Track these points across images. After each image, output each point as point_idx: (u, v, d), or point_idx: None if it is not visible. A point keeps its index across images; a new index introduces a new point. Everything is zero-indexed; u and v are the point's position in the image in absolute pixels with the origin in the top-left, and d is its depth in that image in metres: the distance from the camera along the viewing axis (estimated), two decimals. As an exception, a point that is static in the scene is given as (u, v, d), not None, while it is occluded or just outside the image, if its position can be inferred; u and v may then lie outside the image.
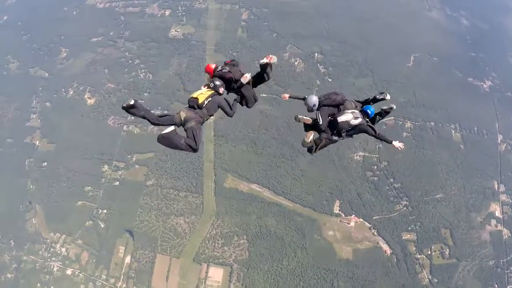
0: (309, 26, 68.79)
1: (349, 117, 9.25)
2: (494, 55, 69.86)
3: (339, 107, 9.80)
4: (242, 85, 9.70)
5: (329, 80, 62.27)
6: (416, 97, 62.15)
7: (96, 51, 69.17)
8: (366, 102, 10.31)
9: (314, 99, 9.45)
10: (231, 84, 9.68)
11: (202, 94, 8.97)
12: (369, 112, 9.65)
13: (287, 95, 10.45)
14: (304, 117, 9.81)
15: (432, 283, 48.52)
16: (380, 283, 48.17)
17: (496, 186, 55.19)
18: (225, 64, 9.98)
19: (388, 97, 9.96)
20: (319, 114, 9.56)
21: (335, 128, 9.40)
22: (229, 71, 9.60)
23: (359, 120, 9.28)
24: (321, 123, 9.52)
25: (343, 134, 9.55)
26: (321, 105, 9.66)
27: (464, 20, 73.83)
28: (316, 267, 49.16)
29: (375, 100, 10.15)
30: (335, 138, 9.60)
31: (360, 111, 9.68)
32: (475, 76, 66.26)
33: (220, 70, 9.66)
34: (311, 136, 9.67)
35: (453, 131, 59.44)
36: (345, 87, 60.36)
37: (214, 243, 51.21)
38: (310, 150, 9.85)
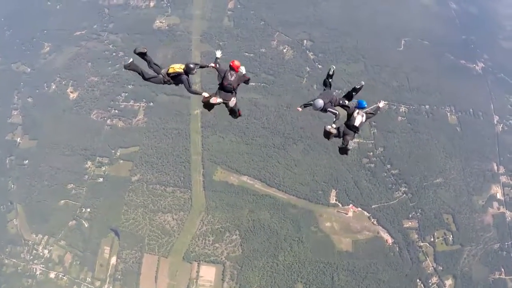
0: (297, 13, 66.99)
1: (360, 118, 11.05)
2: (485, 37, 68.94)
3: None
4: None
5: (319, 66, 60.31)
6: (409, 81, 60.71)
7: (79, 44, 67.28)
8: (349, 94, 11.86)
9: (320, 102, 10.81)
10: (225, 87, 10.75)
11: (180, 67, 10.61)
12: (364, 105, 11.28)
13: (299, 108, 11.88)
14: (332, 129, 11.17)
15: (437, 271, 46.86)
16: (382, 274, 46.37)
17: (495, 167, 53.92)
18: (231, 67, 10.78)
19: (363, 83, 12.08)
20: (333, 109, 11.08)
21: (356, 131, 11.18)
22: (233, 82, 10.70)
23: (365, 115, 11.23)
24: (337, 113, 11.07)
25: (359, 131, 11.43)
26: (326, 104, 11.03)
27: (453, 4, 72.87)
28: (315, 261, 47.28)
29: (355, 90, 11.72)
30: (356, 135, 11.75)
31: (356, 107, 11.30)
32: (467, 59, 65.28)
33: (231, 79, 10.64)
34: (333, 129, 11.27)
35: (448, 114, 58.14)
36: (337, 73, 56.06)
37: (204, 240, 49.02)
38: (345, 151, 11.68)
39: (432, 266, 47.08)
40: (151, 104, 58.31)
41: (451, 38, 67.77)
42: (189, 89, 10.61)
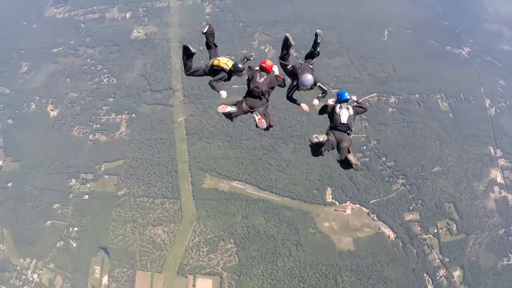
0: (275, 12, 66.32)
1: (346, 112, 8.75)
2: (468, 22, 68.75)
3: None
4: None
5: (302, 63, 58.77)
6: (396, 71, 59.75)
7: (57, 61, 66.39)
8: (311, 53, 9.84)
9: (309, 77, 8.94)
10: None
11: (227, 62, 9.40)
12: (346, 97, 9.07)
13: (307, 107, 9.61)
14: (320, 136, 8.47)
15: (444, 262, 45.11)
16: (388, 272, 44.38)
17: (492, 151, 52.81)
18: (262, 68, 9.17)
19: (319, 31, 9.48)
20: (322, 86, 9.33)
21: (348, 129, 8.71)
22: (261, 85, 8.89)
23: (351, 108, 8.91)
24: (326, 88, 9.43)
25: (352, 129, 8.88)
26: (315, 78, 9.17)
27: (433, -8, 72.81)
28: (316, 263, 45.25)
29: (315, 44, 9.67)
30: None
31: (336, 101, 9.11)
32: (453, 44, 64.79)
33: (259, 81, 8.89)
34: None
35: (439, 101, 57.10)
36: (321, 67, 57.09)
37: (198, 252, 46.87)
38: (348, 164, 8.48)
39: (439, 258, 45.34)
40: (133, 115, 56.70)
41: (435, 25, 67.44)
42: (213, 81, 9.14)
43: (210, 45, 9.70)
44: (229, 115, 8.71)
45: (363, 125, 54.11)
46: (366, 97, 56.60)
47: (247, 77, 9.01)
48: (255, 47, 61.85)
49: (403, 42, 63.85)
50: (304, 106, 9.44)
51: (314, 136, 8.24)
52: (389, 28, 65.02)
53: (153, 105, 56.60)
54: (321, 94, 9.39)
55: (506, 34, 67.99)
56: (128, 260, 47.14)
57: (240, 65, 9.03)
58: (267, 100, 8.92)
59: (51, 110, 60.36)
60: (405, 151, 52.02)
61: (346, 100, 8.97)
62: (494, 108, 56.96)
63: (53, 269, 48.72)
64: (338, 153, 8.58)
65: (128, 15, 69.48)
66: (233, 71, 9.06)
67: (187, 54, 9.21)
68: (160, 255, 46.96)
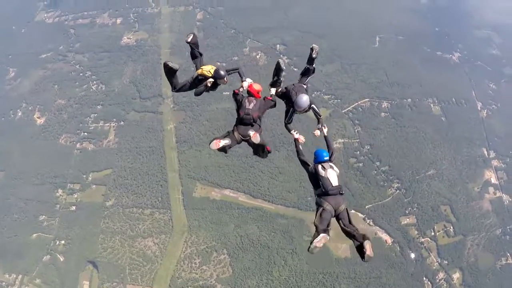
0: (267, 19, 66.08)
1: (333, 173, 7.44)
2: (458, 28, 69.58)
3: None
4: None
5: (295, 69, 58.22)
6: (388, 77, 59.77)
7: (45, 67, 64.58)
8: (307, 70, 9.16)
9: (305, 99, 8.23)
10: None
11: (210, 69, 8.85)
12: (325, 156, 7.86)
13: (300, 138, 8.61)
14: (316, 243, 6.79)
15: (443, 265, 44.44)
16: (386, 277, 43.40)
17: (485, 153, 52.85)
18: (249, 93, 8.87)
19: (315, 45, 8.88)
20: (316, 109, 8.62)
21: (341, 191, 7.43)
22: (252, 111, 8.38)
23: (335, 168, 7.57)
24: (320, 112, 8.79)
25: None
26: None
27: (423, -1, 74.35)
28: (312, 272, 43.95)
29: (311, 59, 8.96)
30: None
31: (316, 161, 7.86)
32: (443, 50, 65.34)
33: (249, 107, 8.39)
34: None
35: (431, 105, 57.15)
36: (314, 74, 56.67)
37: (190, 264, 45.09)
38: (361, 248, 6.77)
39: (437, 262, 44.69)
40: (122, 123, 55.22)
41: (425, 31, 67.95)
42: (196, 89, 8.80)
43: (195, 55, 9.23)
44: (223, 149, 8.01)
45: (356, 130, 53.70)
46: (359, 102, 56.48)
47: (236, 103, 8.58)
48: (246, 53, 61.39)
49: (394, 48, 64.16)
50: (301, 137, 8.54)
51: (314, 245, 6.62)
52: (380, 34, 65.39)
53: (143, 112, 55.32)
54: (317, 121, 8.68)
55: (494, 39, 68.88)
56: (117, 274, 45.10)
57: (221, 72, 8.56)
58: (260, 126, 8.31)
59: (38, 117, 58.56)
60: (399, 155, 51.55)
61: (326, 161, 7.68)
62: (485, 111, 57.22)
63: (39, 284, 46.20)
64: (338, 221, 7.21)
65: (118, 21, 68.59)
66: (215, 77, 8.56)
67: (169, 71, 8.59)
68: (151, 268, 45.03)
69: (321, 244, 6.70)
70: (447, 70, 62.26)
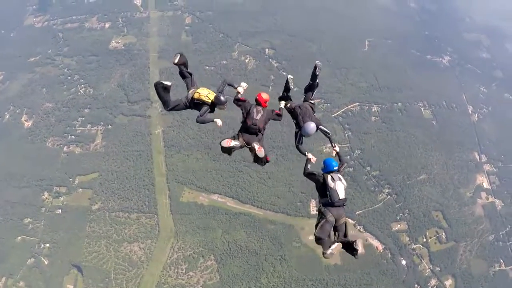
0: (256, 24, 65.69)
1: (341, 185, 7.59)
2: (447, 32, 69.85)
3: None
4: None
5: (284, 73, 58.09)
6: (378, 80, 59.48)
7: (33, 71, 63.63)
8: (311, 86, 9.44)
9: (312, 126, 8.35)
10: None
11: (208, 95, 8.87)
12: (334, 166, 8.04)
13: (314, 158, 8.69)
14: (333, 250, 7.36)
15: (435, 272, 43.80)
16: (378, 285, 42.69)
17: (477, 157, 52.56)
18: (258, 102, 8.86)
19: (318, 62, 9.38)
20: (324, 127, 8.84)
21: (344, 203, 7.67)
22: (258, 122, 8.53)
23: (343, 180, 7.71)
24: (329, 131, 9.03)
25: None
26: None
27: (412, 3, 74.65)
28: (302, 279, 43.12)
29: (314, 76, 9.35)
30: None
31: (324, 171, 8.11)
32: (433, 53, 65.56)
33: (256, 118, 8.52)
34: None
35: (422, 109, 56.99)
36: (303, 78, 55.58)
37: (177, 269, 44.21)
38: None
39: (429, 268, 44.07)
40: (109, 126, 54.21)
41: (414, 35, 68.24)
42: (200, 117, 8.61)
43: (184, 75, 9.11)
44: (229, 150, 8.37)
45: (346, 134, 53.15)
46: (349, 107, 55.97)
47: (243, 112, 8.61)
48: (235, 57, 60.69)
49: (384, 52, 64.07)
50: (314, 158, 8.66)
51: (331, 251, 7.28)
52: (370, 38, 65.21)
53: (130, 116, 54.38)
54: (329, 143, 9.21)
55: (484, 42, 69.34)
56: (102, 278, 44.12)
57: (222, 98, 8.53)
58: (263, 135, 8.70)
59: (25, 120, 57.65)
60: (389, 160, 51.05)
61: (333, 171, 7.88)
62: (476, 114, 57.20)
63: (23, 287, 45.20)
64: (334, 233, 7.58)
65: (107, 25, 67.92)
66: (215, 104, 8.59)
67: (162, 89, 8.46)
68: (136, 273, 44.06)
69: (336, 251, 7.27)
70: (437, 74, 62.26)
